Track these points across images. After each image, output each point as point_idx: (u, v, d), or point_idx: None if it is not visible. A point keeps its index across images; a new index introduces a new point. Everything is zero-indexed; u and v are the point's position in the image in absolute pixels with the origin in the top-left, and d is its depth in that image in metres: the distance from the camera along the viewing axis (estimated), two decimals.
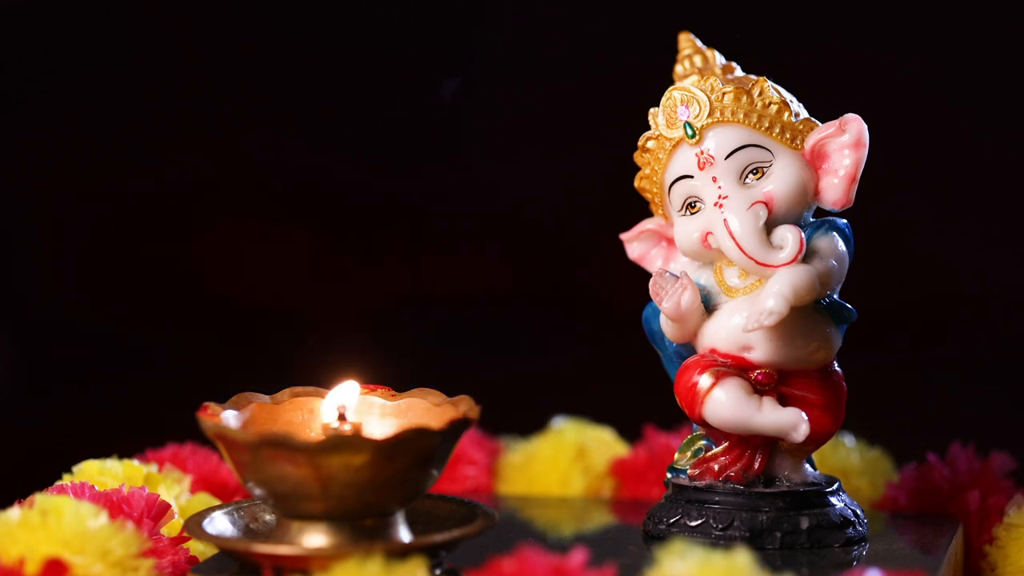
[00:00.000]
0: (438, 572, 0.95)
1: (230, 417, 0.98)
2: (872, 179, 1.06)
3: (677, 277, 1.05)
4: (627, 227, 1.12)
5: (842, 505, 1.06)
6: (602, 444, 1.30)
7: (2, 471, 1.60)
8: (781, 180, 1.04)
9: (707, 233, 1.04)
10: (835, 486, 1.07)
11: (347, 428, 0.97)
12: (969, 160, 1.64)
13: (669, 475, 1.09)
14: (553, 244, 1.73)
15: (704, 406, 1.04)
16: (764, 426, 1.03)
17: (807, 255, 1.03)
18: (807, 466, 1.07)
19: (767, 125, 1.04)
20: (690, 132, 1.05)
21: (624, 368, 1.38)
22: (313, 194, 1.75)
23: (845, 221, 1.05)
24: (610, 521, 1.21)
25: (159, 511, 1.02)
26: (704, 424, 1.05)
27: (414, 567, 0.88)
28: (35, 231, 1.77)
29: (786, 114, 1.05)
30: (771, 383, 1.04)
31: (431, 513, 1.00)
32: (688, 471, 1.08)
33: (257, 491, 0.94)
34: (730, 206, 1.03)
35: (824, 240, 1.04)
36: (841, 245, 1.04)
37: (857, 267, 1.05)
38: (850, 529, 1.06)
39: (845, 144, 1.04)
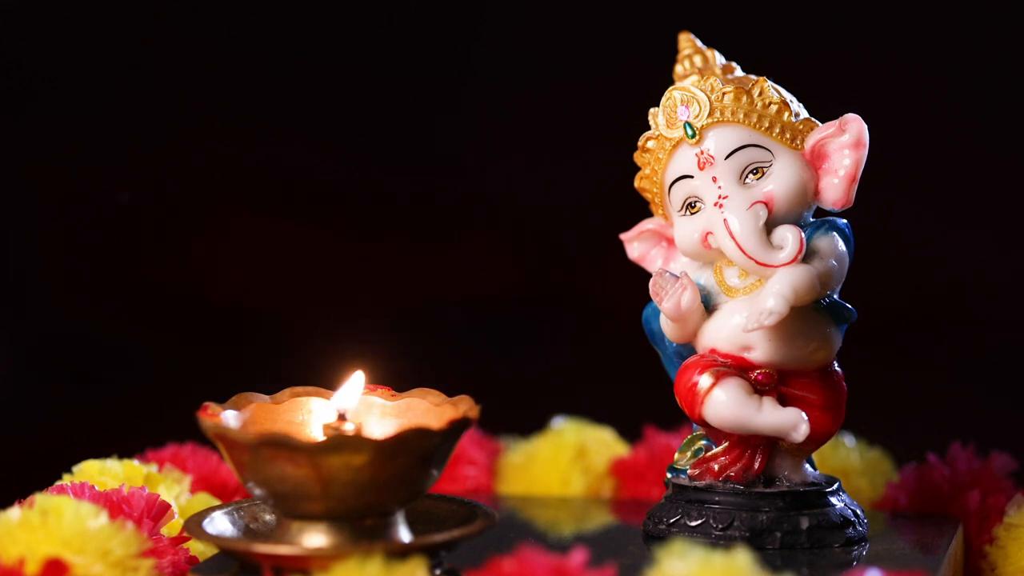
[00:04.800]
0: (438, 572, 0.95)
1: (230, 417, 0.98)
2: (872, 179, 1.06)
3: (677, 277, 1.05)
4: (627, 227, 1.12)
5: (842, 505, 1.06)
6: (602, 444, 1.30)
7: (2, 471, 1.60)
8: (781, 180, 1.04)
9: (707, 233, 1.04)
10: (835, 486, 1.07)
11: (347, 428, 0.97)
12: (969, 160, 1.64)
13: (669, 475, 1.09)
14: (553, 244, 1.73)
15: (704, 406, 1.04)
16: (764, 426, 1.03)
17: (807, 255, 1.03)
18: (807, 466, 1.07)
19: (767, 125, 1.04)
20: (690, 132, 1.05)
21: (624, 368, 1.38)
22: (312, 195, 1.75)
23: (845, 221, 1.05)
24: (610, 521, 1.21)
25: (159, 511, 1.02)
26: (704, 424, 1.05)
27: (414, 567, 0.88)
28: (35, 231, 1.77)
29: (786, 114, 1.05)
30: (771, 383, 1.04)
31: (431, 513, 1.00)
32: (688, 471, 1.08)
33: (257, 491, 0.94)
34: (730, 206, 1.03)
35: (824, 240, 1.04)
36: (841, 245, 1.04)
37: (857, 267, 1.05)
38: (850, 529, 1.06)
39: (845, 144, 1.04)
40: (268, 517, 1.01)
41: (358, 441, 0.91)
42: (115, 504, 1.01)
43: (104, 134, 1.73)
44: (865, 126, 1.04)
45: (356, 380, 1.00)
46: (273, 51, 1.73)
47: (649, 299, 1.06)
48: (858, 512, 1.07)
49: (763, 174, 1.04)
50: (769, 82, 1.05)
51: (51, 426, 1.69)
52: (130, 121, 1.73)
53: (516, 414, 1.31)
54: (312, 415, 1.01)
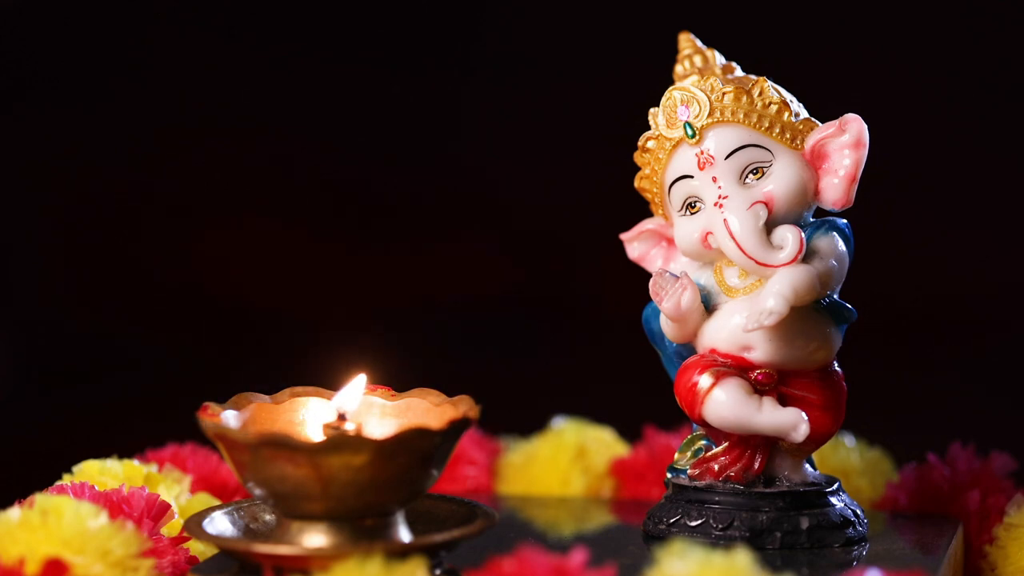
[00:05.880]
0: (438, 572, 0.95)
1: (230, 417, 0.98)
2: (872, 179, 1.06)
3: (677, 277, 1.05)
4: (627, 227, 1.12)
5: (842, 505, 1.06)
6: (602, 444, 1.30)
7: (2, 471, 1.60)
8: (781, 180, 1.04)
9: (707, 233, 1.04)
10: (835, 486, 1.07)
11: (347, 428, 0.97)
12: (969, 160, 1.64)
13: (669, 475, 1.09)
14: (553, 244, 1.73)
15: (704, 406, 1.04)
16: (764, 426, 1.03)
17: (807, 255, 1.02)
18: (807, 466, 1.07)
19: (767, 125, 1.04)
20: (690, 132, 1.05)
21: (624, 368, 1.38)
22: (312, 195, 1.75)
23: (845, 221, 1.05)
24: (610, 521, 1.21)
25: (159, 511, 1.02)
26: (704, 424, 1.05)
27: (414, 567, 0.88)
28: (34, 231, 1.77)
29: (786, 114, 1.05)
30: (771, 383, 1.04)
31: (431, 513, 1.00)
32: (688, 471, 1.08)
33: (257, 491, 0.94)
34: (730, 206, 1.03)
35: (824, 240, 1.04)
36: (841, 245, 1.04)
37: (857, 267, 1.05)
38: (850, 529, 1.06)
39: (845, 144, 1.04)
40: (268, 517, 1.01)
41: (358, 441, 0.91)
42: (115, 504, 1.01)
43: (104, 134, 1.73)
44: (865, 126, 1.04)
45: (357, 383, 1.00)
46: (273, 51, 1.73)
47: (649, 299, 1.06)
48: (858, 512, 1.07)
49: (763, 174, 1.04)
50: (769, 82, 1.05)
51: (51, 426, 1.69)
52: (130, 121, 1.73)
53: (516, 414, 1.31)
54: (312, 415, 1.01)
